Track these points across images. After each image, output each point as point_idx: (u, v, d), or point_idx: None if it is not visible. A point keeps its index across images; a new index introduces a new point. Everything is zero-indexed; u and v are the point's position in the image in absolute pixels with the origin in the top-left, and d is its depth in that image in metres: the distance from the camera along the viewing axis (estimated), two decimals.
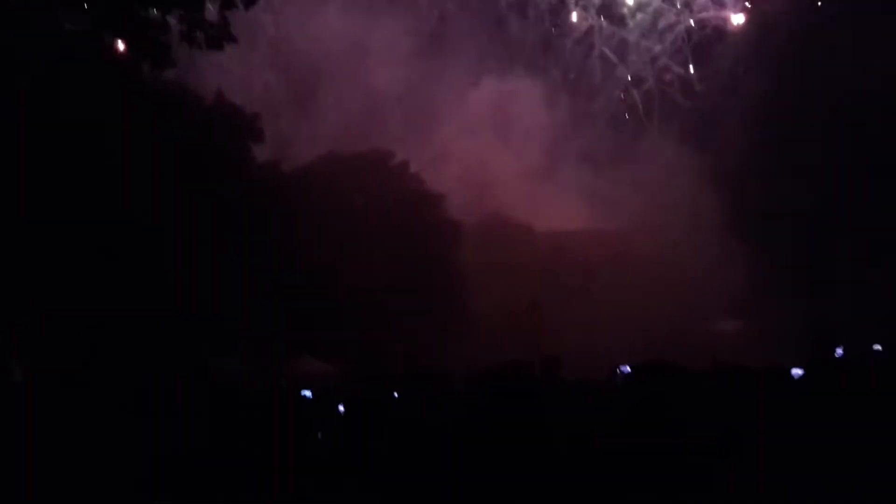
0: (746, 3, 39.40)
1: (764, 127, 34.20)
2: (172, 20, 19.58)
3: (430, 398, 17.13)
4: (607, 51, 41.49)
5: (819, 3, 37.00)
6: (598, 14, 41.90)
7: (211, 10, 20.42)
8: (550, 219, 35.67)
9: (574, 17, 41.66)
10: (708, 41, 40.41)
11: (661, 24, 41.44)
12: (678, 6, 41.22)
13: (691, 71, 40.33)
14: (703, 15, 40.62)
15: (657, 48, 41.05)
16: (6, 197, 18.72)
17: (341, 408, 14.49)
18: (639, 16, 41.37)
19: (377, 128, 37.23)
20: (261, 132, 29.17)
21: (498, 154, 37.42)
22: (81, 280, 21.04)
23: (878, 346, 19.44)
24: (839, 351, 19.86)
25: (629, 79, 41.43)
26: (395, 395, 15.65)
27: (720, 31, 40.30)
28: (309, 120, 37.29)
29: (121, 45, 20.96)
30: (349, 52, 38.92)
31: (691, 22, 40.87)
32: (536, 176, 37.65)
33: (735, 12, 39.68)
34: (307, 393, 14.65)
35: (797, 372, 17.45)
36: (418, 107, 38.29)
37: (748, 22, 39.26)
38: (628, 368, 18.91)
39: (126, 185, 22.44)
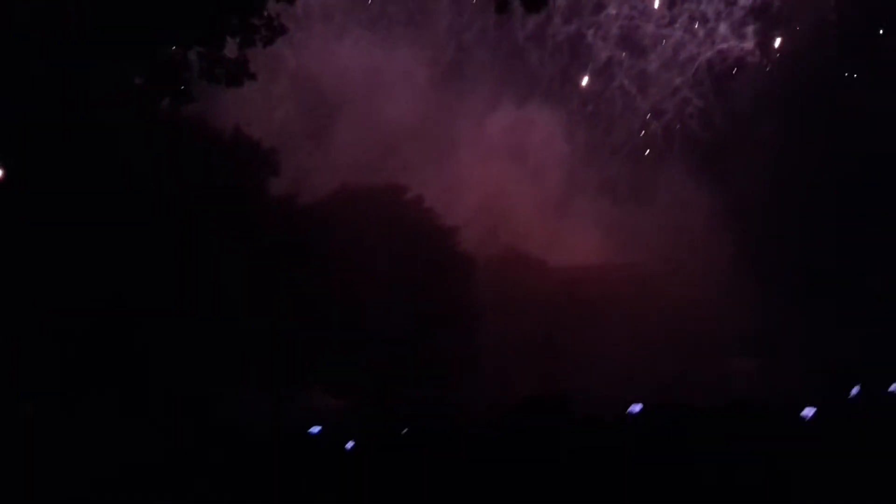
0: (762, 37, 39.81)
1: (783, 163, 34.44)
2: (192, 56, 20.32)
3: (442, 436, 17.45)
4: (627, 82, 41.87)
5: (835, 40, 37.29)
6: (618, 45, 42.35)
7: (231, 45, 21.13)
8: (565, 253, 35.94)
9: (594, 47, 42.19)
10: (730, 73, 40.69)
11: (682, 55, 41.78)
12: (700, 37, 41.56)
13: (712, 104, 40.57)
14: (724, 46, 40.94)
15: (678, 80, 41.38)
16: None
17: (350, 444, 14.86)
18: (659, 47, 41.79)
19: (393, 159, 37.78)
20: (277, 165, 29.86)
21: (514, 187, 37.84)
22: (91, 311, 21.61)
23: (895, 387, 19.58)
24: (855, 390, 20.01)
25: (649, 111, 41.73)
26: (405, 431, 16.00)
27: (741, 63, 40.58)
28: (327, 151, 37.88)
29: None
30: (368, 83, 39.58)
31: (713, 53, 41.17)
32: (553, 209, 37.99)
33: (754, 45, 40.05)
34: (315, 429, 15.03)
35: (808, 412, 17.67)
36: (435, 138, 38.82)
37: (767, 56, 39.61)
38: (639, 407, 19.19)
39: (136, 214, 23.10)
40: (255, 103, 33.46)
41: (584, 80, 41.72)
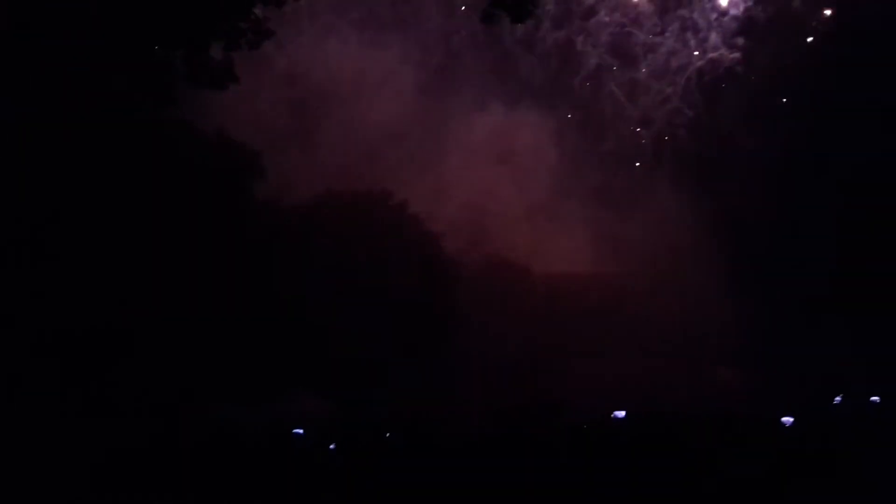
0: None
1: (771, 174, 35.22)
2: (176, 59, 20.69)
3: (426, 441, 17.93)
4: (616, 90, 42.36)
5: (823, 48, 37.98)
6: (608, 52, 42.83)
7: (215, 47, 21.48)
8: (552, 261, 36.51)
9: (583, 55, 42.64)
10: (720, 83, 41.25)
11: (673, 64, 42.29)
12: (691, 46, 42.13)
13: (702, 113, 41.08)
14: (715, 55, 41.52)
15: (668, 89, 41.90)
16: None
17: (332, 446, 15.31)
18: (650, 56, 42.35)
19: (379, 163, 38.18)
20: (263, 170, 30.27)
21: (501, 193, 38.38)
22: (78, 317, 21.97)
23: (875, 398, 20.33)
24: (837, 399, 20.77)
25: (638, 120, 42.23)
26: (387, 435, 16.48)
27: (732, 72, 41.17)
28: (313, 154, 38.21)
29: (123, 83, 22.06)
30: (355, 86, 39.96)
31: (704, 63, 41.69)
32: (540, 217, 38.54)
33: (744, 55, 40.64)
34: (299, 431, 15.50)
35: (787, 420, 18.40)
36: (421, 142, 39.26)
37: (757, 67, 40.20)
38: (622, 414, 19.84)
39: (123, 216, 23.47)
40: (240, 105, 33.83)
41: (573, 87, 42.27)
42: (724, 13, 41.82)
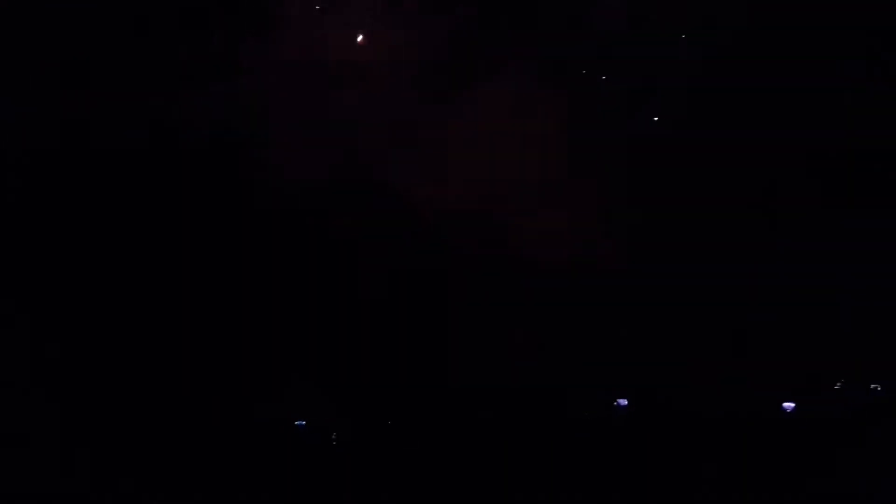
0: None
1: (778, 158, 36.04)
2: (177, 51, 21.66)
3: (428, 430, 19.21)
4: (629, 69, 42.86)
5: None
6: (622, 29, 43.32)
7: (218, 38, 22.38)
8: (555, 247, 37.44)
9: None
10: (743, 62, 41.74)
11: (693, 43, 42.70)
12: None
13: (721, 95, 41.51)
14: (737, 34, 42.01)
15: (686, 68, 42.32)
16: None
17: (334, 438, 16.49)
18: (667, 32, 42.85)
19: (382, 148, 39.00)
20: (260, 159, 31.27)
21: (504, 177, 39.23)
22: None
23: (876, 386, 21.41)
24: (838, 385, 21.80)
25: (654, 101, 42.74)
26: (390, 423, 17.67)
27: (756, 50, 41.63)
28: (317, 142, 39.04)
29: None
30: (358, 66, 40.71)
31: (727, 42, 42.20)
32: (544, 202, 39.38)
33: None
34: (301, 423, 16.57)
35: (788, 405, 19.53)
36: (427, 127, 40.03)
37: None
38: (625, 401, 21.07)
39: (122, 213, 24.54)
40: (244, 97, 34.70)
41: (582, 66, 42.78)
42: None
